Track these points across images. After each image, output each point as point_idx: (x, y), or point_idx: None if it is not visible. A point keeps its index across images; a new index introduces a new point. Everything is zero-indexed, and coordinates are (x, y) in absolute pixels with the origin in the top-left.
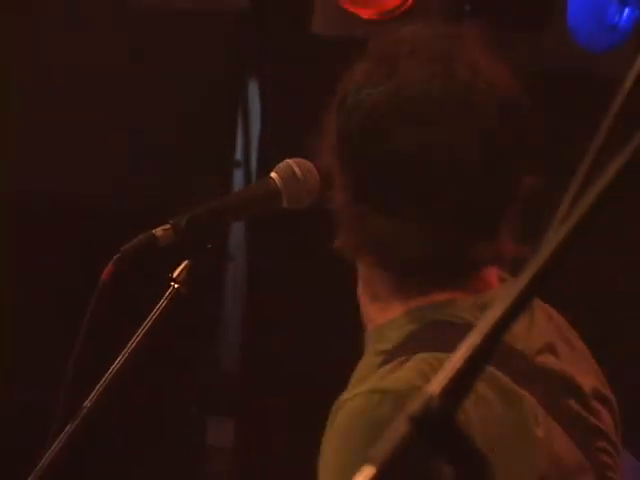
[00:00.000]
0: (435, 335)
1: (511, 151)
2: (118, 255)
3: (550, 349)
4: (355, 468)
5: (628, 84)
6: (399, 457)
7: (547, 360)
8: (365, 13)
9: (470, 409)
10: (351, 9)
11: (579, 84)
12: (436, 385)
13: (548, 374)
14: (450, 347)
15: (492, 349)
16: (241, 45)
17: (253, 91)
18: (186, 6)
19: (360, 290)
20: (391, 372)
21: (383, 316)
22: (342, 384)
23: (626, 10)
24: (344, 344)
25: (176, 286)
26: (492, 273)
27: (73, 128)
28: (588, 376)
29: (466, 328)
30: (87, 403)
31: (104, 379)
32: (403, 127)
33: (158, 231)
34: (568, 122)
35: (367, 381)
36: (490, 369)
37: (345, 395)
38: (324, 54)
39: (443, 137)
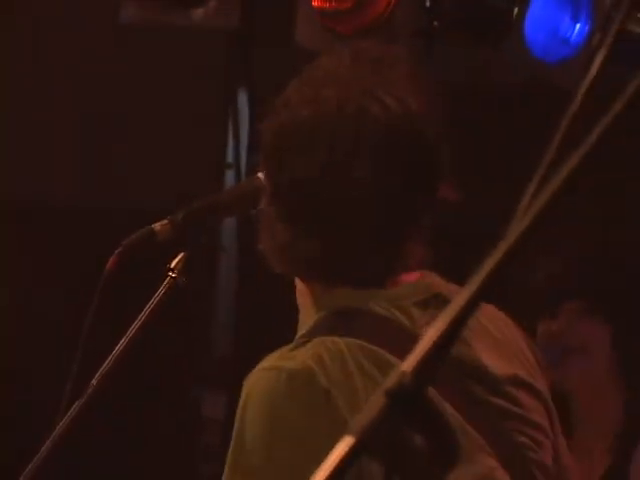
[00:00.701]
0: (336, 320)
1: (406, 169)
2: (120, 248)
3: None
4: (247, 436)
5: (579, 95)
6: (376, 428)
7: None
8: (342, 29)
9: (359, 386)
10: (329, 25)
11: (536, 94)
12: (409, 364)
13: (450, 360)
14: (349, 331)
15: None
16: (232, 58)
17: (242, 100)
18: (185, 23)
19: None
20: (289, 352)
21: (304, 311)
22: None
23: (577, 25)
24: None
25: (173, 275)
26: (410, 275)
27: (72, 134)
28: (509, 364)
29: (368, 315)
30: (94, 381)
31: (110, 359)
32: (296, 155)
33: (157, 226)
34: (525, 131)
35: (268, 359)
36: (383, 353)
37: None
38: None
39: (331, 161)
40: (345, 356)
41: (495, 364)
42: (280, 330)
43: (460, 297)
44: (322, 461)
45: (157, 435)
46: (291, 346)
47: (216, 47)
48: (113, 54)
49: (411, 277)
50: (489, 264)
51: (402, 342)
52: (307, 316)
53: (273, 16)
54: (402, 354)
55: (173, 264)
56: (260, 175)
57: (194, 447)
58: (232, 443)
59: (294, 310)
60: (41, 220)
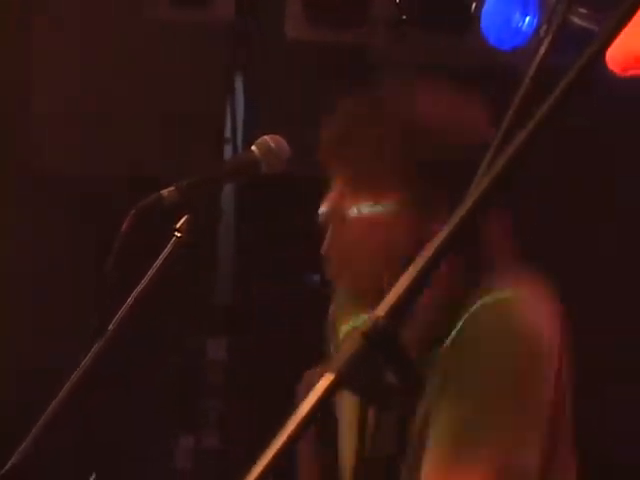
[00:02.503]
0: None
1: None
2: (133, 211)
3: None
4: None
5: (527, 80)
6: (353, 365)
7: None
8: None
9: None
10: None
11: (493, 77)
12: (382, 309)
13: None
14: None
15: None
16: (229, 47)
17: (239, 84)
18: (188, 18)
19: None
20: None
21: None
22: (316, 315)
23: (527, 18)
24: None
25: (179, 235)
26: None
27: (90, 116)
28: None
29: None
30: (111, 326)
31: (124, 307)
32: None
33: (165, 192)
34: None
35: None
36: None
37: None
38: (296, 55)
39: None
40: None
41: None
42: (276, 278)
43: (427, 249)
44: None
45: (166, 375)
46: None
47: (217, 38)
48: (135, 46)
49: None
50: (454, 219)
51: None
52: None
53: (265, 10)
54: None
55: (178, 225)
56: (254, 148)
57: (199, 385)
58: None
59: (286, 264)
60: (60, 188)
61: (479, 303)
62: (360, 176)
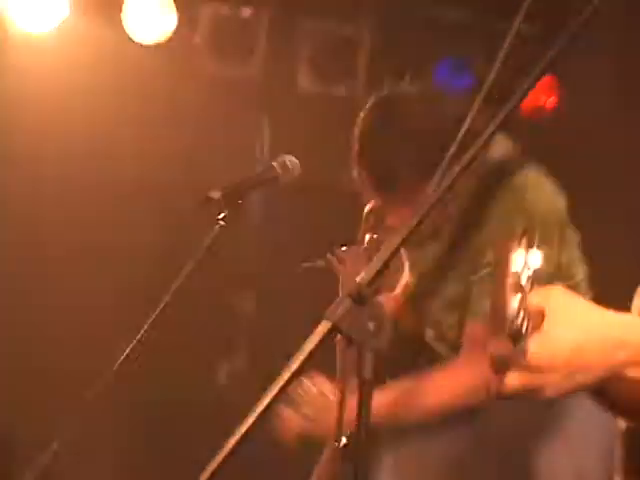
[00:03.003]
0: None
1: None
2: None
3: None
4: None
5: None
6: (343, 316)
7: None
8: None
9: None
10: None
11: None
12: (363, 277)
13: None
14: None
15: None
16: (260, 93)
17: (265, 120)
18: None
19: None
20: None
21: None
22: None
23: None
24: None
25: (221, 223)
26: None
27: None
28: None
29: None
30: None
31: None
32: None
33: (212, 194)
34: None
35: None
36: None
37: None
38: (306, 102)
39: None
40: None
41: None
42: (295, 245)
43: (402, 228)
44: None
45: (201, 327)
46: None
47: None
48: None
49: None
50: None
51: None
52: None
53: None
54: None
55: (220, 217)
56: (274, 164)
57: (230, 335)
58: None
59: (303, 230)
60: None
61: None
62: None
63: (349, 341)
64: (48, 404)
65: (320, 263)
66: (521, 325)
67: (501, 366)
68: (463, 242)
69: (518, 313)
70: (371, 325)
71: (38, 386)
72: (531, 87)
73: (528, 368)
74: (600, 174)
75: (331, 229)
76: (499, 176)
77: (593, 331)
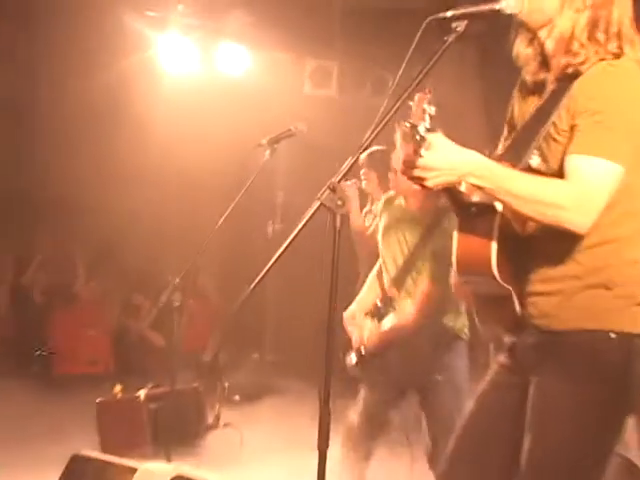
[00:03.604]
0: None
1: None
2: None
3: None
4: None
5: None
6: (325, 198)
7: None
8: None
9: None
10: None
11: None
12: (335, 177)
13: None
14: None
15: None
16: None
17: None
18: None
19: None
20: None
21: None
22: None
23: None
24: None
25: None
26: None
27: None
28: None
29: None
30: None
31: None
32: None
33: (261, 141)
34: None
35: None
36: None
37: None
38: None
39: None
40: None
41: None
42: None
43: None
44: None
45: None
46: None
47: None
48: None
49: None
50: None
51: None
52: None
53: None
54: None
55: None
56: (291, 127)
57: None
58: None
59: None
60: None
61: None
62: None
63: (328, 209)
64: None
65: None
66: (419, 145)
67: (408, 165)
68: None
69: (421, 141)
70: (339, 201)
71: None
72: (415, 86)
73: (421, 167)
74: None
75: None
76: None
77: (463, 155)
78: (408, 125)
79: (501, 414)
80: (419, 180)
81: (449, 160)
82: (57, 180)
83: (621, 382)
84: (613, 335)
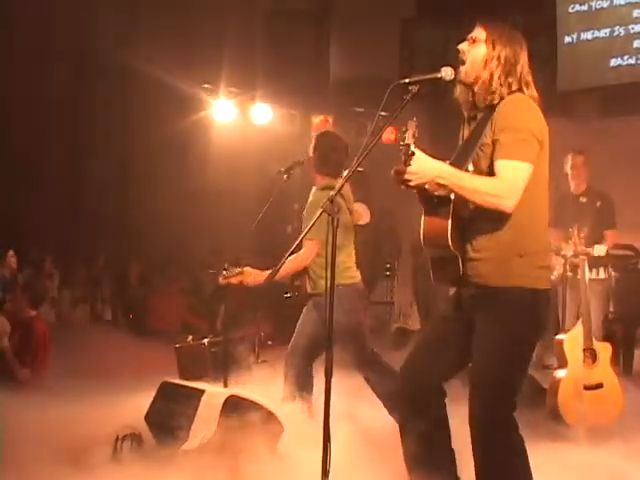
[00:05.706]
0: None
1: None
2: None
3: None
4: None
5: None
6: (326, 207)
7: None
8: None
9: None
10: None
11: None
12: (334, 191)
13: None
14: None
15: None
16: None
17: None
18: None
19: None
20: None
21: None
22: None
23: None
24: None
25: (285, 178)
26: None
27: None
28: None
29: None
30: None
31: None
32: None
33: (280, 169)
34: None
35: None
36: None
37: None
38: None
39: None
40: None
41: None
42: None
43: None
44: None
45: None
46: None
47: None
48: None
49: None
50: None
51: None
52: None
53: None
54: None
55: (284, 177)
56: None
57: None
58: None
59: None
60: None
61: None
62: None
63: (328, 215)
64: None
65: None
66: (410, 157)
67: (399, 172)
68: None
69: (411, 155)
70: (335, 209)
71: None
72: (382, 131)
73: (411, 172)
74: None
75: None
76: None
77: (434, 164)
78: (403, 144)
79: (448, 330)
80: (406, 182)
81: (427, 167)
82: (151, 201)
83: (531, 320)
84: (525, 289)
